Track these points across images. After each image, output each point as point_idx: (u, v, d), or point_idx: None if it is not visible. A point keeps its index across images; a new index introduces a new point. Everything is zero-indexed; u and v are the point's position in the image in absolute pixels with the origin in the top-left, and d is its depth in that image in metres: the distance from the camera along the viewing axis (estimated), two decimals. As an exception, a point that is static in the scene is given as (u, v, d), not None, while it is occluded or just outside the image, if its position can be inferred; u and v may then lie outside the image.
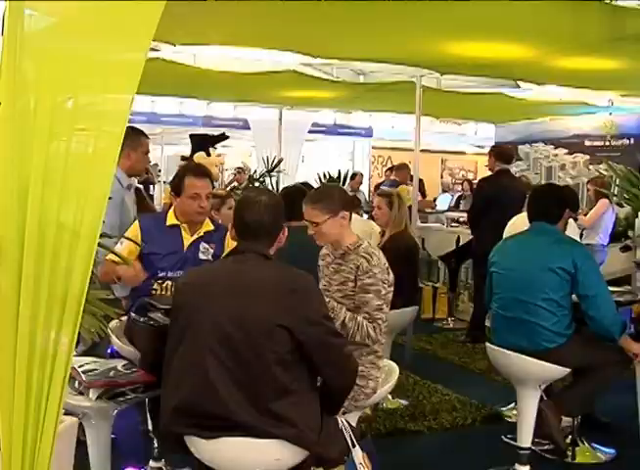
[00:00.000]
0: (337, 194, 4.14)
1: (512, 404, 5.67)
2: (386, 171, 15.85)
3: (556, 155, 13.62)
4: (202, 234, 4.62)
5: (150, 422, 4.30)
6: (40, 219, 2.26)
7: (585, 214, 9.17)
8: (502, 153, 8.42)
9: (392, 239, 6.11)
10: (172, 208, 4.69)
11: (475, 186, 11.02)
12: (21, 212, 2.26)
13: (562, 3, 4.94)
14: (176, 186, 4.60)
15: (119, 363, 3.87)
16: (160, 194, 16.99)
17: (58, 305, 2.29)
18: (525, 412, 4.60)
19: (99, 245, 2.37)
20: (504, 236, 5.65)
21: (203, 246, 4.58)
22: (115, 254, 3.74)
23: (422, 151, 8.44)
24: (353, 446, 3.29)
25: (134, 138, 5.50)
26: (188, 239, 4.59)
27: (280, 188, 11.01)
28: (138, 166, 5.58)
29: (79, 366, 3.66)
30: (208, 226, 4.66)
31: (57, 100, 2.32)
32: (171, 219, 4.63)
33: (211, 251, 4.57)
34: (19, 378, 2.28)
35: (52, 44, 2.38)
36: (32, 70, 2.33)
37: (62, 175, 2.28)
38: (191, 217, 4.59)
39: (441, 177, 22.25)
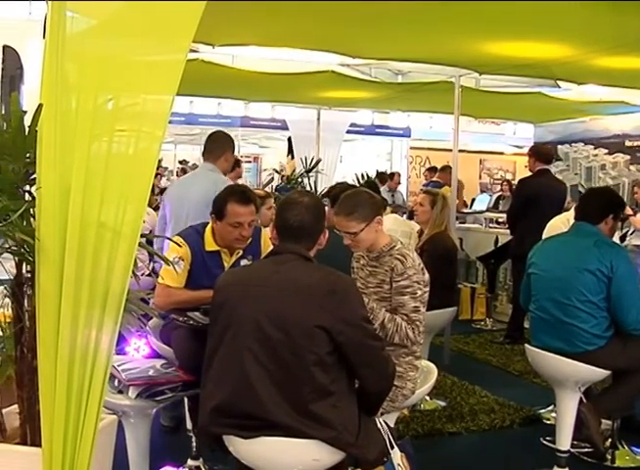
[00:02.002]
0: (368, 200, 4.03)
1: (551, 406, 5.63)
2: (424, 172, 15.79)
3: (596, 155, 13.46)
4: (240, 253, 4.45)
5: (189, 421, 4.33)
6: (82, 219, 2.28)
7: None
8: (542, 153, 8.34)
9: (431, 239, 6.09)
10: (211, 229, 4.43)
11: (514, 186, 10.94)
12: (62, 212, 2.29)
13: (601, 2, 4.89)
14: (218, 211, 4.29)
15: (158, 362, 3.90)
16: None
17: (99, 304, 2.31)
18: (565, 415, 4.56)
19: (139, 245, 2.39)
20: (543, 237, 5.60)
21: (243, 263, 4.40)
22: (160, 256, 3.59)
23: (460, 151, 8.38)
24: (392, 447, 3.29)
25: (231, 141, 5.66)
26: (228, 261, 4.42)
27: (318, 188, 11.03)
28: (229, 167, 5.77)
29: (119, 365, 3.70)
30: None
31: (98, 101, 2.35)
32: (211, 245, 4.40)
33: (250, 263, 4.37)
34: (60, 376, 2.31)
35: (93, 46, 2.41)
36: (74, 72, 2.36)
37: (103, 175, 2.31)
38: (230, 244, 4.38)
39: (480, 178, 22.12)
